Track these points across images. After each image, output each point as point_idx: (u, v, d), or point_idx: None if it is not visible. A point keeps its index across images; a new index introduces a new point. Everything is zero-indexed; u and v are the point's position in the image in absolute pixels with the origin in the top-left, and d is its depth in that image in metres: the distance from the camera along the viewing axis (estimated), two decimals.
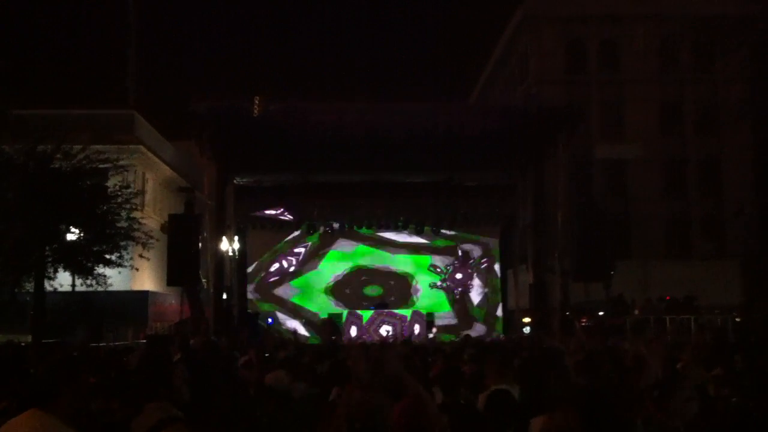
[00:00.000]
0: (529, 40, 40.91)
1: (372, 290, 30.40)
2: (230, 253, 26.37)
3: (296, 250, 30.77)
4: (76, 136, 22.89)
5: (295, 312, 30.37)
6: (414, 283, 30.85)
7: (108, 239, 23.03)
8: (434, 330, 27.62)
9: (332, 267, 30.77)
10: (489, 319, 30.68)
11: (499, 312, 30.76)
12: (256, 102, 22.95)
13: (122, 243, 23.31)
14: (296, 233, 30.50)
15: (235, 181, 27.48)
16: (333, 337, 25.86)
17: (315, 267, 30.77)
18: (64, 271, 23.00)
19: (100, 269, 23.22)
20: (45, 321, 22.17)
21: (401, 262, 30.88)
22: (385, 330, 26.91)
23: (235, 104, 24.52)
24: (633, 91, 39.83)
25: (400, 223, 30.10)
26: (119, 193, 23.56)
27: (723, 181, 39.50)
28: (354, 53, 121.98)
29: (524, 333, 26.39)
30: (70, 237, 22.24)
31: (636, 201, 38.46)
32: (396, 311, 28.04)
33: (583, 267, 24.17)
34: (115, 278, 24.33)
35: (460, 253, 30.85)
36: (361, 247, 30.93)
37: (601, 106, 39.54)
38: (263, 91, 23.48)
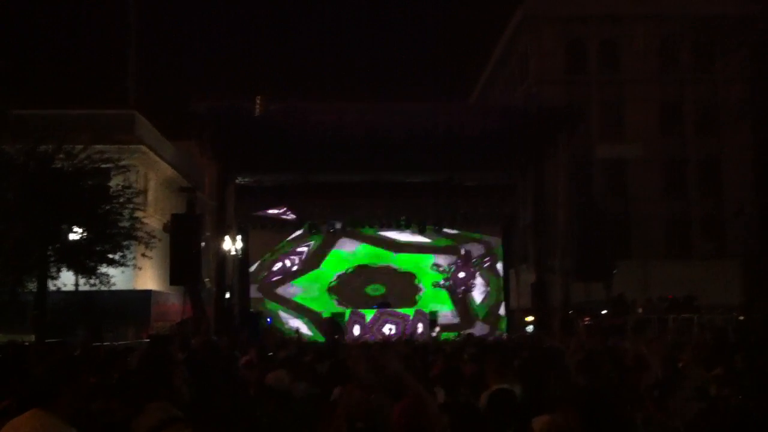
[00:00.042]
0: (529, 40, 40.91)
1: (374, 289, 30.41)
2: (232, 253, 26.39)
3: (299, 250, 30.79)
4: (78, 136, 22.91)
5: (298, 311, 30.38)
6: (416, 282, 30.87)
7: (110, 239, 23.07)
8: (437, 329, 27.63)
9: (335, 266, 30.79)
10: (491, 318, 30.69)
11: (502, 311, 30.78)
12: (258, 101, 22.95)
13: (125, 243, 23.34)
14: (298, 233, 30.52)
15: (236, 181, 27.51)
16: (335, 336, 25.88)
17: (317, 266, 30.79)
18: (67, 271, 23.03)
19: (103, 269, 23.26)
20: (46, 321, 22.19)
21: (403, 262, 30.90)
22: (387, 329, 26.93)
23: (236, 104, 24.54)
24: (633, 91, 39.84)
25: (402, 223, 30.11)
26: (121, 193, 23.60)
27: (723, 181, 39.50)
28: (354, 53, 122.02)
29: (526, 332, 26.43)
30: (72, 237, 22.27)
31: (636, 201, 38.47)
32: (398, 310, 28.06)
33: (584, 267, 24.19)
34: (117, 278, 24.38)
35: (462, 252, 30.86)
36: (363, 247, 30.94)
37: (601, 106, 39.55)
38: (263, 91, 23.52)
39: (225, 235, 25.38)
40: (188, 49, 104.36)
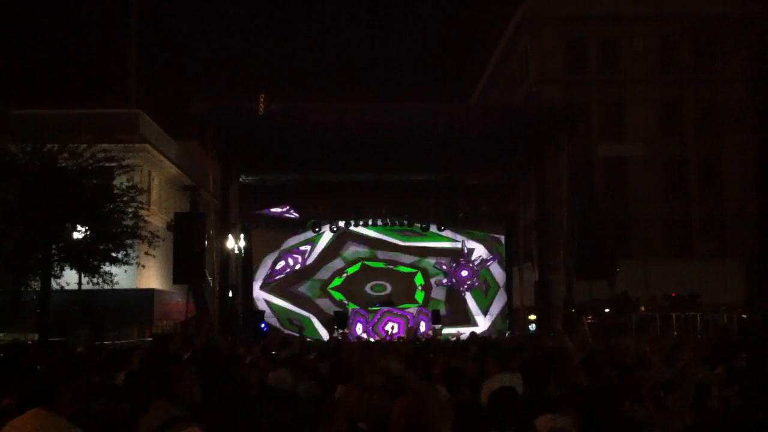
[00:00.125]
0: (529, 40, 40.95)
1: (377, 288, 30.43)
2: (235, 252, 26.42)
3: (302, 249, 30.80)
4: (82, 136, 22.95)
5: (300, 310, 30.41)
6: (419, 280, 30.89)
7: (114, 238, 23.11)
8: (439, 326, 27.67)
9: (337, 265, 30.81)
10: (494, 316, 30.70)
11: (504, 310, 30.80)
12: (261, 100, 22.95)
13: (128, 241, 23.38)
14: (302, 231, 30.55)
15: (239, 180, 27.56)
16: (340, 330, 25.93)
17: (320, 265, 30.80)
18: (70, 270, 23.07)
19: (106, 267, 23.29)
20: (48, 320, 22.24)
21: (406, 260, 30.92)
22: (390, 327, 26.96)
23: (236, 104, 24.58)
24: (633, 91, 39.88)
25: (404, 222, 30.15)
26: (124, 192, 23.64)
27: (723, 181, 39.54)
28: (354, 53, 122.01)
29: (529, 331, 26.49)
30: (76, 235, 22.31)
31: (636, 201, 38.50)
32: (401, 308, 28.08)
33: (585, 266, 24.23)
34: (121, 276, 24.42)
35: (465, 251, 30.86)
36: (365, 246, 30.95)
37: (602, 106, 39.59)
38: (264, 90, 23.46)
39: (228, 233, 25.41)
40: (188, 49, 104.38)
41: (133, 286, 30.53)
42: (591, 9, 39.67)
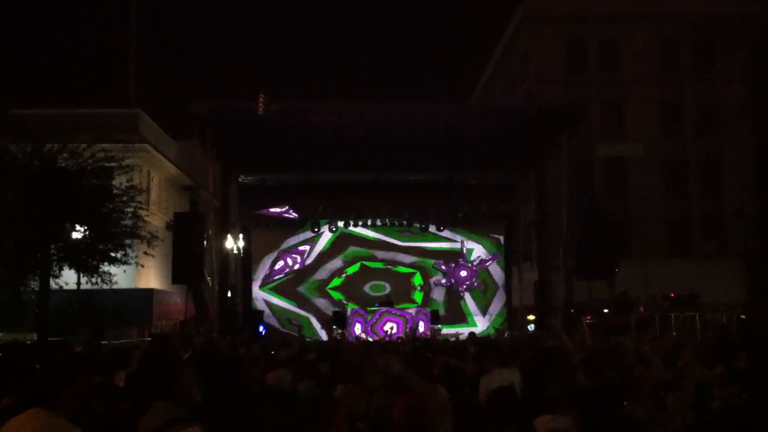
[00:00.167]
0: (529, 40, 40.95)
1: (376, 288, 30.45)
2: (235, 252, 26.43)
3: (301, 249, 30.82)
4: (82, 136, 22.94)
5: (300, 310, 30.42)
6: (418, 280, 30.90)
7: (113, 237, 23.10)
8: (438, 327, 27.67)
9: (336, 265, 30.82)
10: (493, 316, 30.71)
11: (504, 310, 30.81)
12: (261, 99, 22.95)
13: (127, 241, 23.37)
14: (301, 231, 30.56)
15: (239, 180, 27.57)
16: (339, 330, 25.93)
17: (319, 265, 30.82)
18: (69, 269, 23.06)
19: (105, 267, 23.29)
20: (48, 320, 22.23)
21: (405, 260, 30.93)
22: (389, 327, 26.96)
23: (236, 104, 24.59)
24: (633, 91, 39.89)
25: (404, 222, 30.16)
26: (124, 192, 23.63)
27: (723, 181, 39.55)
28: (354, 53, 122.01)
29: (528, 331, 26.50)
30: (75, 235, 22.31)
31: (637, 201, 38.52)
32: (400, 309, 28.08)
33: (585, 266, 24.23)
34: (119, 276, 24.41)
35: (464, 251, 30.87)
36: (365, 245, 30.96)
37: (602, 106, 39.60)
38: (264, 90, 23.47)
39: (227, 233, 25.43)
40: (188, 49, 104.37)
41: (132, 286, 30.51)
42: (591, 9, 39.67)
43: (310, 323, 29.79)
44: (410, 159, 26.04)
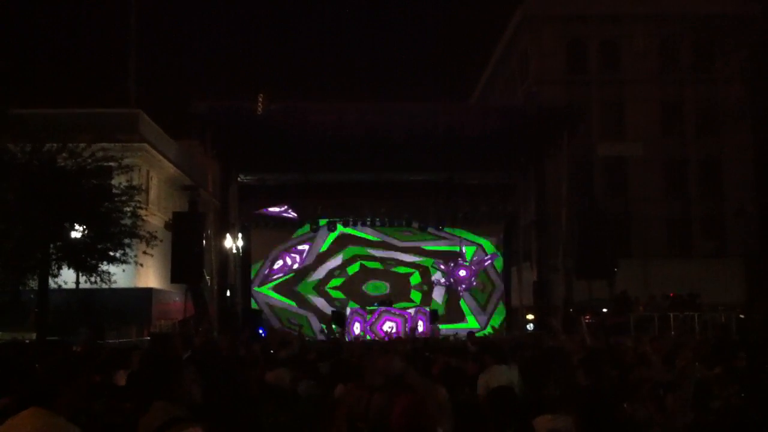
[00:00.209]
0: (529, 40, 40.96)
1: (375, 287, 30.44)
2: (234, 251, 26.43)
3: (300, 248, 30.83)
4: (82, 135, 22.94)
5: (299, 309, 30.42)
6: (417, 280, 30.90)
7: (112, 237, 23.09)
8: (437, 326, 27.66)
9: (336, 264, 30.82)
10: (492, 316, 30.71)
11: (503, 309, 30.81)
12: (260, 99, 22.96)
13: (126, 240, 23.36)
14: (300, 231, 30.57)
15: (238, 179, 27.57)
16: (338, 330, 25.93)
17: (319, 265, 30.82)
18: (68, 269, 23.05)
19: (104, 266, 23.28)
20: (47, 319, 22.22)
21: (404, 260, 30.93)
22: (388, 327, 26.94)
23: (236, 104, 24.60)
24: (633, 91, 39.89)
25: (403, 222, 30.15)
26: (123, 191, 23.61)
27: (723, 180, 39.55)
28: (354, 53, 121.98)
29: (527, 330, 26.51)
30: (74, 235, 22.30)
31: (637, 201, 38.53)
32: (399, 308, 28.07)
33: (585, 265, 24.23)
34: (119, 275, 24.39)
35: (463, 251, 30.87)
36: (364, 245, 30.96)
37: (602, 106, 39.60)
38: (264, 90, 23.48)
39: (227, 233, 25.42)
40: (188, 49, 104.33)
41: (132, 286, 30.50)
42: (591, 9, 39.67)
43: (309, 323, 29.79)
44: (410, 159, 26.04)
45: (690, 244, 39.55)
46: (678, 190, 39.65)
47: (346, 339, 24.37)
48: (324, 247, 30.85)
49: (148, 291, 30.44)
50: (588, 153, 37.13)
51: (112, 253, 23.24)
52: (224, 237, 25.40)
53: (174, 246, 23.59)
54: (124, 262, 23.83)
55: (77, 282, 23.28)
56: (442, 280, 30.74)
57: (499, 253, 31.10)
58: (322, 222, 30.15)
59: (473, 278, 30.76)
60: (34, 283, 22.78)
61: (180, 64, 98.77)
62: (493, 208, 29.98)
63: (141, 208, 25.46)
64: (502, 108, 31.39)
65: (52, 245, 22.23)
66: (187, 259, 23.01)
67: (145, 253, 24.23)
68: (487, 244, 31.09)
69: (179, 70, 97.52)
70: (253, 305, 29.42)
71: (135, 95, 39.35)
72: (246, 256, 29.19)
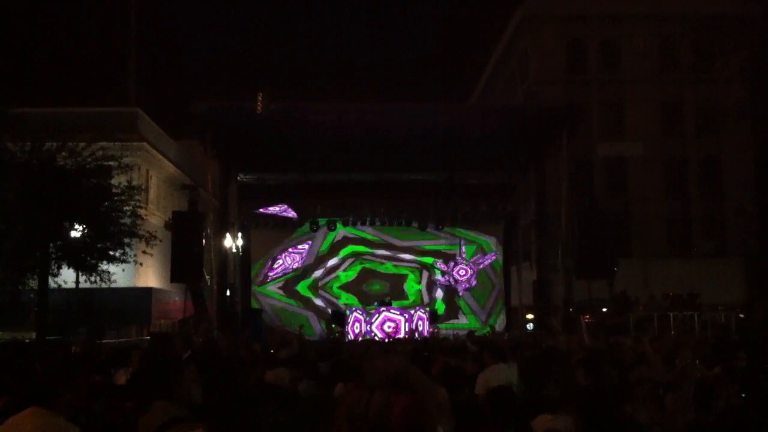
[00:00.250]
0: (529, 40, 40.94)
1: (375, 287, 30.45)
2: (233, 251, 26.42)
3: (300, 248, 30.84)
4: (81, 135, 22.91)
5: (299, 309, 30.42)
6: (417, 279, 30.92)
7: (112, 236, 23.06)
8: (437, 326, 27.68)
9: (335, 264, 30.83)
10: (491, 316, 30.71)
11: (503, 309, 30.82)
12: (259, 98, 22.97)
13: (126, 240, 23.34)
14: (300, 231, 30.57)
15: (238, 179, 27.56)
16: (338, 330, 25.93)
17: (318, 264, 30.83)
18: (68, 269, 23.03)
19: (104, 266, 23.26)
20: (47, 319, 22.20)
21: (404, 259, 30.94)
22: (388, 326, 26.96)
23: (236, 104, 24.62)
24: (633, 91, 39.86)
25: (402, 222, 30.15)
26: (123, 190, 23.59)
27: (723, 180, 39.53)
28: (354, 53, 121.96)
29: (527, 330, 26.51)
30: (74, 234, 22.28)
31: (637, 201, 38.51)
32: (399, 307, 28.09)
33: (585, 265, 24.24)
34: (118, 275, 24.36)
35: (463, 250, 30.89)
36: (364, 245, 30.97)
37: (602, 106, 39.58)
38: (263, 90, 23.49)
39: (226, 232, 25.42)
40: (188, 49, 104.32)
41: (131, 285, 30.48)
42: (591, 9, 39.65)
43: (309, 322, 29.79)
44: (410, 159, 26.06)
45: (690, 244, 39.53)
46: (678, 190, 39.63)
47: (346, 339, 24.38)
48: (324, 247, 30.85)
49: (148, 290, 30.42)
50: (588, 153, 37.11)
51: (111, 253, 23.20)
52: (224, 236, 25.40)
53: (173, 245, 23.59)
54: (124, 261, 23.80)
55: (77, 281, 23.26)
56: (442, 280, 30.75)
57: (498, 253, 31.11)
58: (322, 221, 30.16)
59: (473, 278, 30.77)
60: (33, 283, 22.75)
61: (180, 63, 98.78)
62: (493, 208, 30.00)
63: (141, 207, 25.43)
64: (502, 108, 31.40)
65: (51, 245, 22.19)
66: (186, 259, 23.01)
67: (144, 252, 24.20)
68: (487, 244, 31.09)
69: (179, 69, 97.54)
70: (253, 305, 29.42)
71: (135, 95, 39.37)
72: (245, 256, 29.20)
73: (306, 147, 25.19)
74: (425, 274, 31.01)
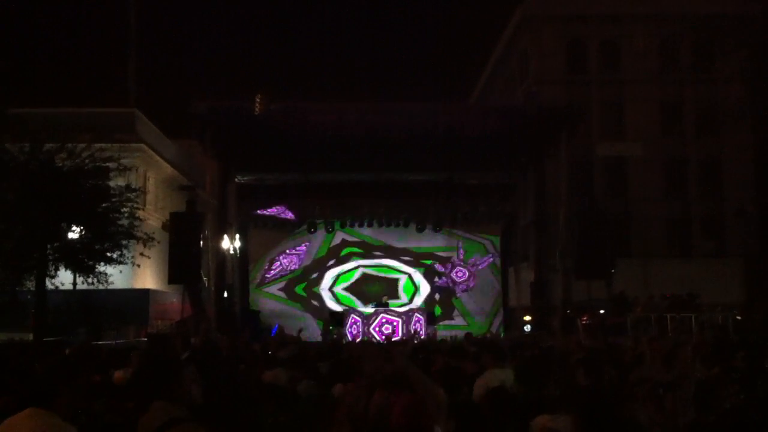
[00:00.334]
0: (529, 40, 40.95)
1: (373, 288, 30.43)
2: (231, 252, 26.40)
3: (298, 249, 30.82)
4: (79, 135, 22.92)
5: (297, 310, 30.40)
6: (415, 281, 30.90)
7: (109, 238, 23.06)
8: (435, 327, 27.67)
9: (334, 265, 30.82)
10: (489, 317, 30.71)
11: (500, 310, 30.81)
12: (258, 99, 22.98)
13: (123, 241, 23.33)
14: (298, 232, 30.55)
15: (236, 180, 27.54)
16: (336, 331, 25.92)
17: (317, 266, 30.82)
18: (66, 270, 23.02)
19: (101, 267, 23.26)
20: (46, 320, 22.20)
21: (402, 261, 30.93)
22: (386, 328, 26.94)
23: (236, 104, 24.61)
24: (633, 91, 39.87)
25: (401, 222, 30.14)
26: (121, 191, 23.60)
27: (723, 181, 39.54)
28: (354, 53, 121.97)
29: (524, 331, 26.48)
30: (71, 235, 22.27)
31: (636, 201, 38.51)
32: (397, 309, 28.06)
33: (584, 266, 24.23)
34: (116, 276, 24.36)
35: (461, 251, 30.88)
36: (362, 246, 30.96)
37: (602, 106, 39.59)
38: (263, 89, 23.49)
39: (224, 233, 25.40)
40: (188, 49, 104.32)
41: (129, 286, 30.46)
42: (591, 9, 39.66)
43: (307, 324, 29.76)
44: (410, 159, 26.05)
45: (690, 244, 39.53)
46: (678, 190, 39.63)
47: (344, 341, 24.35)
48: (322, 248, 30.84)
49: (146, 292, 30.40)
50: (588, 153, 37.12)
51: (109, 254, 23.21)
52: (222, 237, 25.38)
53: (171, 246, 23.56)
54: (122, 262, 23.81)
55: (74, 283, 23.26)
56: (440, 282, 30.74)
57: (496, 254, 31.11)
58: (321, 222, 30.13)
59: (471, 279, 30.77)
60: (31, 284, 22.75)
61: (179, 64, 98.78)
62: (493, 208, 30.00)
63: (138, 208, 25.43)
64: (502, 108, 31.41)
65: (49, 246, 22.20)
66: (184, 260, 22.99)
67: (142, 254, 24.21)
68: (485, 245, 31.08)
69: (179, 70, 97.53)
70: (252, 306, 29.41)
71: (135, 95, 39.35)
72: (244, 257, 29.17)
73: (305, 147, 25.17)
74: (424, 275, 30.99)
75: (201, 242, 23.79)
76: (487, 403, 5.54)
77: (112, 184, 23.98)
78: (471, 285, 30.75)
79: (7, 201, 21.48)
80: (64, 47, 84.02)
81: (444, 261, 30.88)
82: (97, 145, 23.13)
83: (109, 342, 20.82)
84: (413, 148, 25.12)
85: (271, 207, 29.44)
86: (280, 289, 30.55)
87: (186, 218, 24.08)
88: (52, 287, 22.56)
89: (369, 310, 27.63)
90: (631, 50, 39.99)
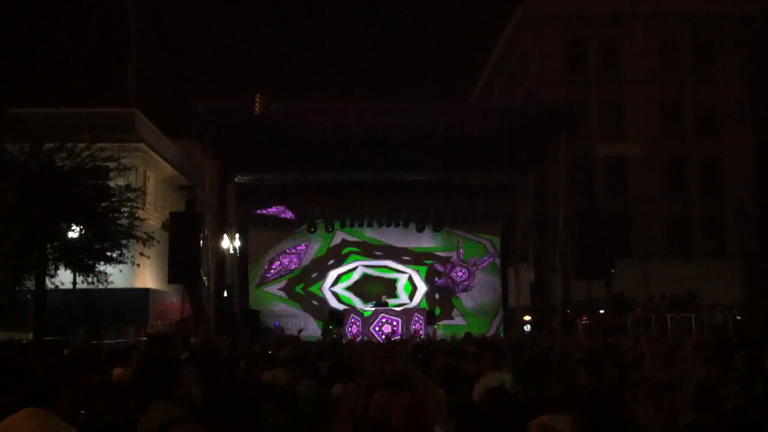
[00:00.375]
0: (529, 40, 40.96)
1: (373, 288, 30.39)
2: (231, 251, 26.40)
3: (298, 249, 30.79)
4: (78, 135, 22.93)
5: (297, 310, 30.38)
6: (415, 281, 30.87)
7: (109, 237, 23.07)
8: (435, 328, 27.64)
9: (333, 265, 30.79)
10: (489, 317, 30.68)
11: (500, 310, 30.79)
12: (258, 99, 22.98)
13: (123, 241, 23.34)
14: (298, 232, 30.53)
15: (236, 179, 27.53)
16: (336, 331, 25.91)
17: (316, 265, 30.79)
18: (65, 269, 23.02)
19: (101, 267, 23.27)
20: (46, 319, 22.21)
21: (402, 261, 30.90)
22: (386, 328, 26.92)
23: (236, 104, 24.60)
24: (633, 91, 39.89)
25: (401, 222, 30.12)
26: (121, 191, 23.61)
27: (723, 181, 39.56)
28: (354, 53, 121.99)
29: (524, 331, 26.47)
30: (71, 235, 22.28)
31: (636, 201, 38.53)
32: (396, 309, 28.04)
33: (584, 266, 24.23)
34: (116, 276, 24.37)
35: (461, 251, 30.86)
36: (362, 246, 30.93)
37: (602, 106, 39.60)
38: (263, 89, 23.48)
39: (224, 233, 25.40)
40: (188, 49, 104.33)
41: (129, 286, 30.46)
42: (591, 9, 39.68)
43: (306, 324, 29.75)
44: (410, 159, 26.05)
45: (690, 244, 39.55)
46: (678, 190, 39.65)
47: (344, 341, 24.34)
48: (322, 248, 30.81)
49: (145, 291, 30.40)
50: (587, 153, 37.13)
51: (109, 254, 23.22)
52: (222, 237, 25.37)
53: (171, 246, 23.57)
54: (121, 262, 23.82)
55: (74, 282, 23.27)
56: (440, 281, 30.72)
57: (496, 254, 31.09)
58: (321, 222, 30.12)
59: (471, 279, 30.75)
60: (31, 284, 22.76)
61: (179, 64, 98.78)
62: (492, 208, 29.97)
63: (138, 208, 25.44)
64: (502, 108, 31.39)
65: (49, 245, 22.21)
66: (184, 260, 23.00)
67: (141, 254, 24.21)
68: (485, 245, 31.06)
69: (179, 70, 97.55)
70: (251, 306, 29.39)
71: (135, 95, 39.38)
72: (243, 257, 29.15)
73: (305, 147, 25.16)
74: (422, 275, 30.97)
75: (201, 242, 23.79)
76: (486, 403, 5.54)
77: (112, 183, 23.96)
78: (471, 285, 30.72)
79: (7, 201, 21.48)
80: (64, 47, 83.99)
81: (444, 261, 30.84)
82: (97, 145, 23.14)
83: (109, 342, 20.84)
84: (413, 148, 25.12)
85: (270, 207, 29.41)
86: (280, 289, 30.53)
87: (186, 218, 24.07)
88: (52, 287, 22.56)
89: (369, 309, 27.61)
90: (631, 50, 40.01)
